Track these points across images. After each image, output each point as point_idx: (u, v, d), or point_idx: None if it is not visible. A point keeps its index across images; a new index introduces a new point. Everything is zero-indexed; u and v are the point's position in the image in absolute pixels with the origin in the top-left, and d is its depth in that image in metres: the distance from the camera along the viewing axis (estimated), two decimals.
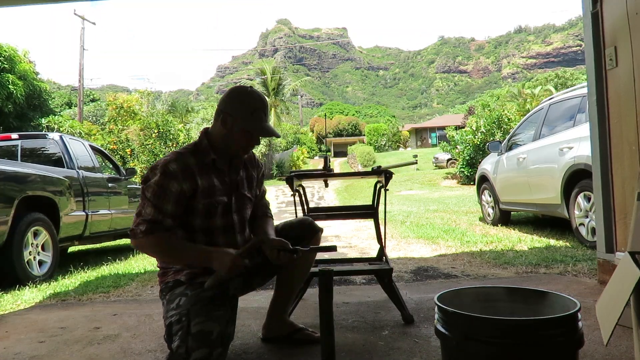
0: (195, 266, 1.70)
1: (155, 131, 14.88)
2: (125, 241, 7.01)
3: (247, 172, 1.88)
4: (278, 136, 1.80)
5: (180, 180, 1.64)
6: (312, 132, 52.72)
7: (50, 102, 17.90)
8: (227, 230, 1.77)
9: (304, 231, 1.94)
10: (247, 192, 1.85)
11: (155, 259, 1.74)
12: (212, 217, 1.72)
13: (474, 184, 8.28)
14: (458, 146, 17.77)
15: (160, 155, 14.40)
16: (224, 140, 1.73)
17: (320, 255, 1.89)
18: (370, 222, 5.15)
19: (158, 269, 1.80)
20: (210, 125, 1.81)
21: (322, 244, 2.03)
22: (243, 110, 1.69)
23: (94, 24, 21.65)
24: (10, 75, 13.75)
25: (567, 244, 4.38)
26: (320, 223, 2.09)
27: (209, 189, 1.70)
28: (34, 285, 3.75)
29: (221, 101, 1.75)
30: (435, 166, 25.51)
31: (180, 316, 1.57)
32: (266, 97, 1.73)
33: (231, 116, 1.69)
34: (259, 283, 1.91)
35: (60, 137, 5.26)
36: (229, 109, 1.71)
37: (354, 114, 71.07)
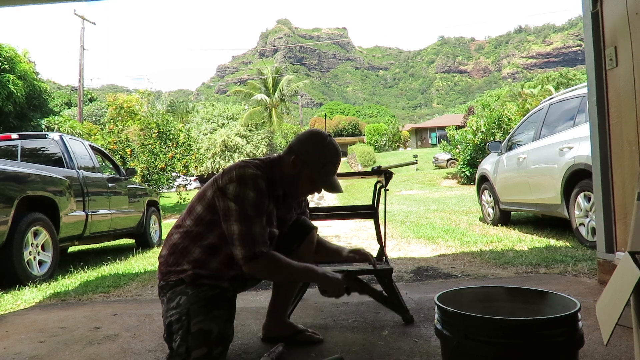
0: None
1: (155, 131, 14.86)
2: (126, 241, 7.01)
3: (293, 210, 1.90)
4: (341, 191, 1.75)
5: (267, 199, 1.63)
6: None
7: (50, 102, 17.88)
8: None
9: (297, 230, 1.91)
10: (284, 223, 1.86)
11: (259, 277, 1.75)
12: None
13: (474, 184, 8.28)
14: (458, 146, 17.78)
15: (161, 156, 14.38)
16: (289, 179, 1.70)
17: None
18: (370, 222, 5.15)
19: (158, 268, 1.79)
20: (281, 153, 1.76)
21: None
22: (315, 160, 1.66)
23: (94, 24, 21.63)
24: (10, 76, 13.73)
25: (567, 244, 4.38)
26: (320, 223, 2.09)
27: (271, 217, 1.70)
28: (34, 285, 3.75)
29: (297, 141, 1.70)
30: (435, 166, 25.51)
31: (180, 315, 1.57)
32: (340, 151, 1.76)
33: (302, 161, 1.66)
34: (252, 284, 1.90)
35: (60, 137, 5.26)
36: (302, 153, 1.67)
37: (354, 114, 71.09)
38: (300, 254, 1.90)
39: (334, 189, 1.70)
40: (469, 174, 16.59)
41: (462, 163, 17.35)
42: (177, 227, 1.74)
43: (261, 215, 1.60)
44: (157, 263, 1.79)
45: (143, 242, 6.49)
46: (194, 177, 24.26)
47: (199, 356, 1.50)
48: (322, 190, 1.73)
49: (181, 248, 1.68)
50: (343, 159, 36.87)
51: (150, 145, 14.40)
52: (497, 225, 6.13)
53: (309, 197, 2.15)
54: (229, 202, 1.57)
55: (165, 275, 1.72)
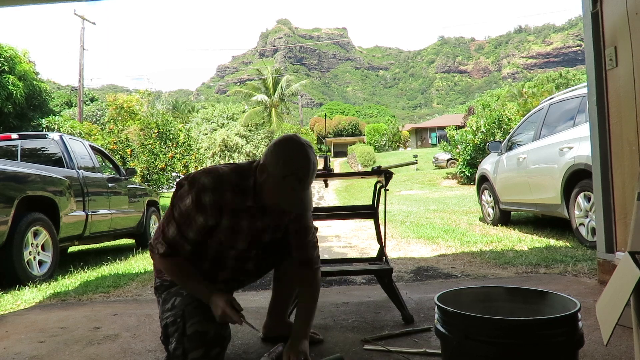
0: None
1: (155, 131, 14.86)
2: (126, 241, 7.01)
3: (280, 218, 1.73)
4: (300, 211, 1.64)
5: (208, 214, 1.55)
6: (312, 132, 52.73)
7: (50, 102, 17.89)
8: (237, 270, 1.75)
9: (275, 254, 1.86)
10: (267, 236, 1.73)
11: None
12: (224, 258, 1.70)
13: (474, 184, 8.28)
14: (458, 146, 17.79)
15: (161, 156, 14.37)
16: (261, 188, 1.59)
17: (320, 255, 1.88)
18: (370, 222, 5.15)
19: (153, 266, 1.80)
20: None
21: (321, 243, 2.03)
22: (277, 170, 1.51)
23: (94, 24, 21.63)
24: (10, 76, 13.74)
25: (567, 244, 4.38)
26: (320, 223, 2.09)
27: (232, 230, 1.62)
28: (34, 285, 3.75)
29: (268, 147, 1.58)
30: (435, 166, 25.51)
31: (176, 317, 1.57)
32: (314, 161, 1.53)
33: (266, 170, 1.54)
34: (249, 280, 1.90)
35: (60, 137, 5.26)
36: (267, 160, 1.54)
37: (354, 114, 71.08)
38: (281, 277, 1.92)
39: (291, 205, 1.59)
40: (469, 174, 16.60)
41: (462, 163, 17.35)
42: None
43: (184, 224, 1.57)
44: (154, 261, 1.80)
45: (143, 242, 6.49)
46: None
47: (196, 358, 1.50)
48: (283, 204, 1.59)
49: None
50: (343, 159, 36.85)
51: (150, 145, 14.39)
52: (497, 225, 6.13)
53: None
54: (172, 198, 1.64)
55: (160, 272, 1.74)
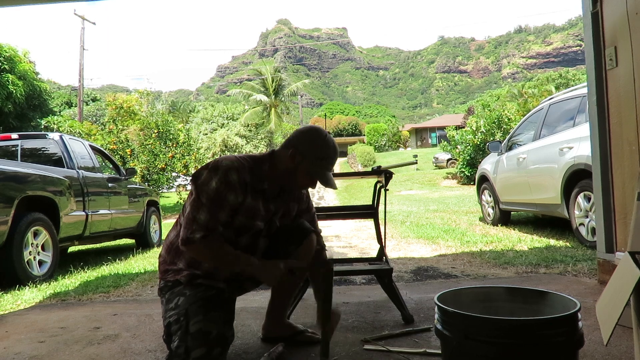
0: (232, 271, 1.72)
1: (155, 131, 14.86)
2: (126, 241, 7.01)
3: (291, 205, 1.87)
4: (335, 188, 1.76)
5: (238, 192, 1.62)
6: None
7: (50, 102, 17.89)
8: (247, 250, 1.76)
9: (294, 233, 1.89)
10: (277, 221, 1.83)
11: (201, 261, 1.70)
12: (241, 235, 1.71)
13: (474, 184, 8.28)
14: (458, 146, 17.78)
15: (161, 156, 14.37)
16: (287, 173, 1.71)
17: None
18: (370, 222, 5.15)
19: (158, 267, 1.80)
20: (275, 148, 1.79)
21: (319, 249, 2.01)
22: (314, 154, 1.68)
23: (94, 24, 21.62)
24: (10, 76, 13.73)
25: (567, 244, 4.38)
26: (320, 223, 2.09)
27: (252, 210, 1.69)
28: (34, 285, 3.75)
29: (296, 136, 1.73)
30: (435, 166, 25.51)
31: (179, 316, 1.58)
32: (337, 148, 1.77)
33: (301, 155, 1.68)
34: (250, 287, 1.90)
35: (60, 137, 5.26)
36: (301, 147, 1.69)
37: (354, 114, 71.12)
38: (297, 258, 1.90)
39: (330, 183, 1.71)
40: (468, 174, 16.59)
41: (462, 163, 17.35)
42: (175, 226, 1.77)
43: (215, 206, 1.58)
44: (157, 263, 1.81)
45: (143, 242, 6.49)
46: None
47: (198, 356, 1.51)
48: (318, 183, 1.73)
49: (176, 247, 1.71)
50: (343, 159, 36.86)
51: (150, 145, 14.39)
52: (497, 225, 6.13)
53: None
54: (194, 188, 1.63)
55: (164, 274, 1.74)
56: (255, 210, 1.70)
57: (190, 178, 1.69)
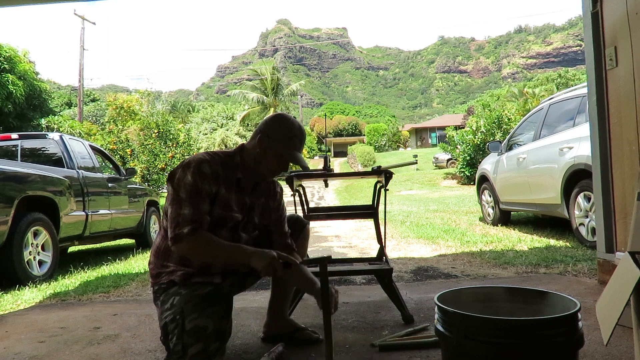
0: (225, 265, 1.73)
1: (155, 131, 14.88)
2: (126, 241, 7.01)
3: (266, 201, 1.88)
4: (306, 168, 1.78)
5: (211, 182, 1.64)
6: (312, 132, 52.76)
7: (50, 102, 17.89)
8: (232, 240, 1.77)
9: (292, 226, 1.98)
10: (257, 218, 1.84)
11: (193, 259, 1.70)
12: (220, 228, 1.71)
13: (474, 184, 8.28)
14: (458, 146, 17.78)
15: (161, 156, 14.38)
16: (256, 159, 1.73)
17: (320, 255, 1.88)
18: (370, 222, 5.15)
19: (149, 273, 1.80)
20: (245, 142, 1.81)
21: (321, 243, 2.03)
22: (280, 134, 1.71)
23: (94, 24, 21.63)
24: (10, 75, 13.74)
25: (567, 244, 4.38)
26: (320, 223, 2.09)
27: (226, 201, 1.70)
28: (34, 285, 3.75)
29: (262, 122, 1.78)
30: (435, 166, 25.51)
31: (175, 315, 1.59)
32: (303, 128, 1.82)
33: (268, 137, 1.70)
34: (252, 282, 1.91)
35: (60, 137, 5.26)
36: (268, 129, 1.72)
37: (354, 114, 71.12)
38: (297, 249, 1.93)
39: (299, 162, 1.73)
40: (468, 174, 16.60)
41: (462, 163, 17.35)
42: (159, 230, 1.80)
43: (195, 198, 1.60)
44: (150, 265, 1.81)
45: (143, 242, 6.48)
46: None
47: (196, 353, 1.52)
48: (288, 163, 1.74)
49: (163, 250, 1.72)
50: (343, 159, 36.88)
51: (150, 145, 14.40)
52: (497, 225, 6.13)
53: (309, 198, 2.13)
54: (170, 187, 1.66)
55: (156, 278, 1.74)
56: (230, 201, 1.71)
57: (167, 179, 1.70)
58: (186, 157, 15.42)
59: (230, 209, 1.71)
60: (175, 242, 1.59)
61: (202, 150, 19.58)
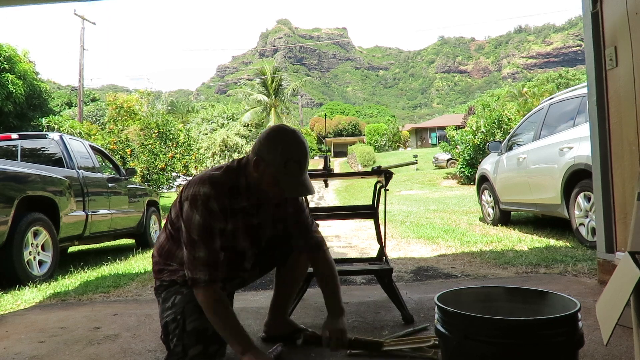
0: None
1: (155, 131, 14.87)
2: (126, 241, 7.01)
3: (276, 210, 1.76)
4: (309, 193, 1.59)
5: (221, 219, 1.57)
6: (312, 132, 52.75)
7: (50, 102, 17.88)
8: (231, 265, 1.74)
9: (280, 249, 1.90)
10: (268, 231, 1.77)
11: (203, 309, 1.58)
12: (227, 252, 1.68)
13: (474, 184, 8.28)
14: (458, 146, 17.79)
15: (161, 156, 14.37)
16: (257, 184, 1.61)
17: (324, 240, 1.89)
18: (370, 222, 5.15)
19: (152, 268, 1.81)
20: (246, 155, 1.68)
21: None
22: (276, 159, 1.52)
23: (94, 24, 21.63)
24: (10, 75, 13.73)
25: (567, 244, 4.38)
26: (320, 223, 2.09)
27: (233, 232, 1.65)
28: (34, 285, 3.75)
29: (258, 141, 1.59)
30: (435, 166, 25.52)
31: (176, 315, 1.59)
32: (307, 145, 1.58)
33: (263, 161, 1.54)
34: (252, 281, 1.91)
35: (60, 137, 5.26)
36: (262, 152, 1.55)
37: (354, 114, 71.12)
38: (283, 276, 1.91)
39: (298, 191, 1.56)
40: (468, 174, 16.60)
41: (462, 163, 17.35)
42: (163, 229, 1.78)
43: (207, 238, 1.54)
44: (153, 260, 1.82)
45: (143, 242, 6.49)
46: None
47: (196, 354, 1.52)
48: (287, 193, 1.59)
49: (167, 250, 1.72)
50: (343, 159, 36.84)
51: (150, 145, 14.40)
52: (497, 225, 6.13)
53: (309, 197, 2.10)
54: (181, 222, 1.58)
55: (159, 273, 1.74)
56: (236, 232, 1.66)
57: (177, 199, 1.64)
58: (186, 157, 15.47)
59: (236, 239, 1.67)
60: (193, 285, 1.56)
61: (202, 151, 19.58)
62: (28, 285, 3.73)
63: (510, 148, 6.01)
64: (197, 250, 1.54)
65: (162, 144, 14.77)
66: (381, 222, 2.71)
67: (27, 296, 3.36)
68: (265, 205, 1.72)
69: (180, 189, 1.69)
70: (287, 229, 1.82)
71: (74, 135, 8.32)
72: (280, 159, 1.52)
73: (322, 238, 1.84)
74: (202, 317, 1.56)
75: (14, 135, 5.33)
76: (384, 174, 2.46)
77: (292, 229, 1.81)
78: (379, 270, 2.30)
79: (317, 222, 1.96)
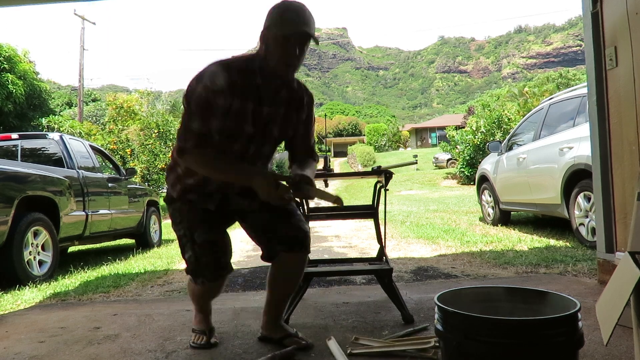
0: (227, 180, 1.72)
1: (155, 131, 14.88)
2: (126, 241, 7.01)
3: (289, 112, 1.75)
4: (315, 39, 1.59)
5: (225, 95, 1.58)
6: None
7: (50, 102, 17.90)
8: (242, 157, 1.73)
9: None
10: (275, 130, 1.74)
11: (198, 171, 1.69)
12: (232, 141, 1.67)
13: (474, 184, 8.28)
14: (458, 146, 17.80)
15: (161, 156, 14.37)
16: (266, 60, 1.61)
17: (320, 255, 1.88)
18: (370, 222, 5.14)
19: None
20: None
21: (321, 243, 2.01)
22: (274, 18, 1.57)
23: (94, 24, 21.61)
24: (10, 75, 13.74)
25: (567, 244, 4.38)
26: (320, 223, 2.09)
27: (240, 114, 1.63)
28: (34, 285, 3.75)
29: (266, 17, 1.65)
30: (435, 166, 25.53)
31: (184, 230, 1.77)
32: (309, 12, 1.60)
33: (266, 29, 1.59)
34: (240, 201, 1.84)
35: (60, 137, 5.26)
36: (264, 24, 1.61)
37: (354, 114, 71.18)
38: (273, 276, 1.87)
39: (302, 31, 1.55)
40: (468, 174, 16.60)
41: (462, 163, 17.36)
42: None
43: (205, 112, 1.58)
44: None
45: (143, 242, 6.48)
46: None
47: (206, 262, 1.75)
48: (295, 40, 1.56)
49: (172, 164, 1.84)
50: (343, 159, 36.86)
51: (150, 145, 14.40)
52: (497, 225, 6.13)
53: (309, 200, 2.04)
54: (184, 100, 1.64)
55: (174, 183, 1.83)
56: (245, 114, 1.64)
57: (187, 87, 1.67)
58: None
59: (243, 122, 1.65)
60: (181, 154, 1.63)
61: None
62: (28, 285, 3.73)
63: (510, 148, 6.01)
64: (192, 122, 1.60)
65: (162, 144, 14.77)
66: (381, 222, 2.71)
67: (27, 296, 3.36)
68: (280, 98, 1.70)
69: None
70: (293, 139, 1.83)
71: (74, 135, 8.33)
72: (277, 15, 1.57)
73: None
74: (209, 230, 1.74)
75: (14, 135, 5.33)
76: (384, 174, 2.46)
77: (299, 137, 1.83)
78: (379, 270, 2.30)
79: (316, 224, 1.95)
